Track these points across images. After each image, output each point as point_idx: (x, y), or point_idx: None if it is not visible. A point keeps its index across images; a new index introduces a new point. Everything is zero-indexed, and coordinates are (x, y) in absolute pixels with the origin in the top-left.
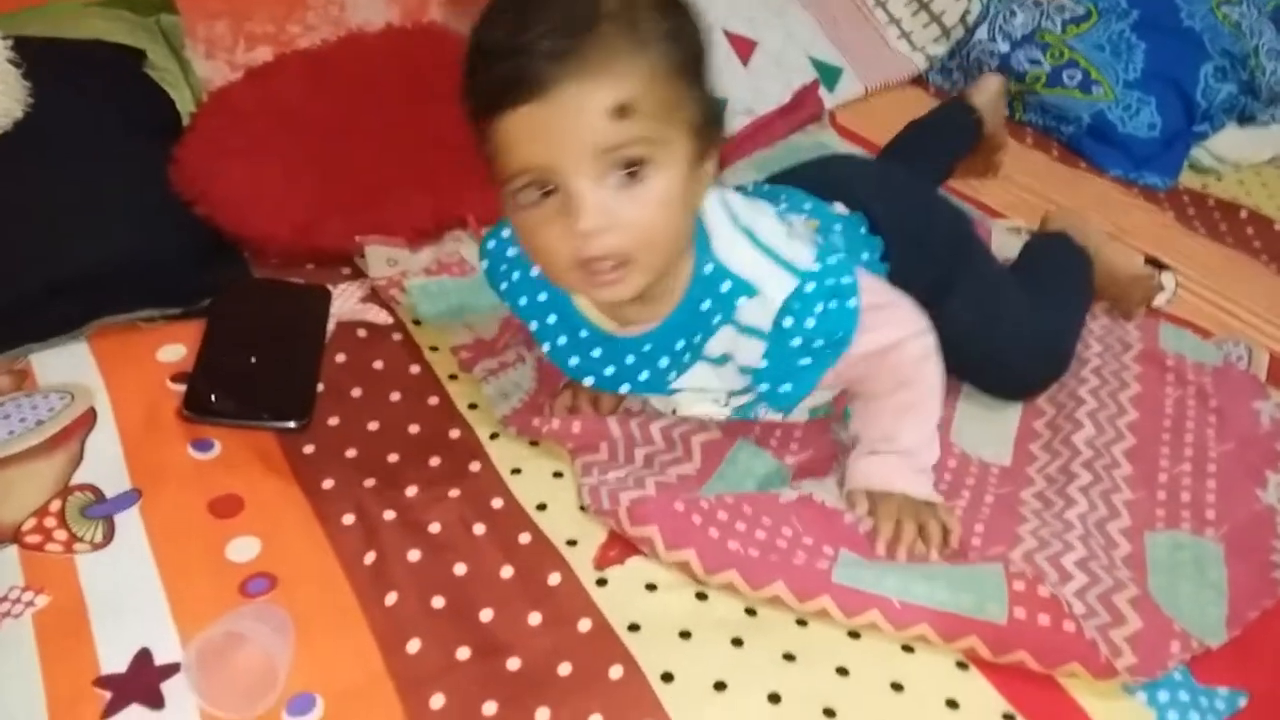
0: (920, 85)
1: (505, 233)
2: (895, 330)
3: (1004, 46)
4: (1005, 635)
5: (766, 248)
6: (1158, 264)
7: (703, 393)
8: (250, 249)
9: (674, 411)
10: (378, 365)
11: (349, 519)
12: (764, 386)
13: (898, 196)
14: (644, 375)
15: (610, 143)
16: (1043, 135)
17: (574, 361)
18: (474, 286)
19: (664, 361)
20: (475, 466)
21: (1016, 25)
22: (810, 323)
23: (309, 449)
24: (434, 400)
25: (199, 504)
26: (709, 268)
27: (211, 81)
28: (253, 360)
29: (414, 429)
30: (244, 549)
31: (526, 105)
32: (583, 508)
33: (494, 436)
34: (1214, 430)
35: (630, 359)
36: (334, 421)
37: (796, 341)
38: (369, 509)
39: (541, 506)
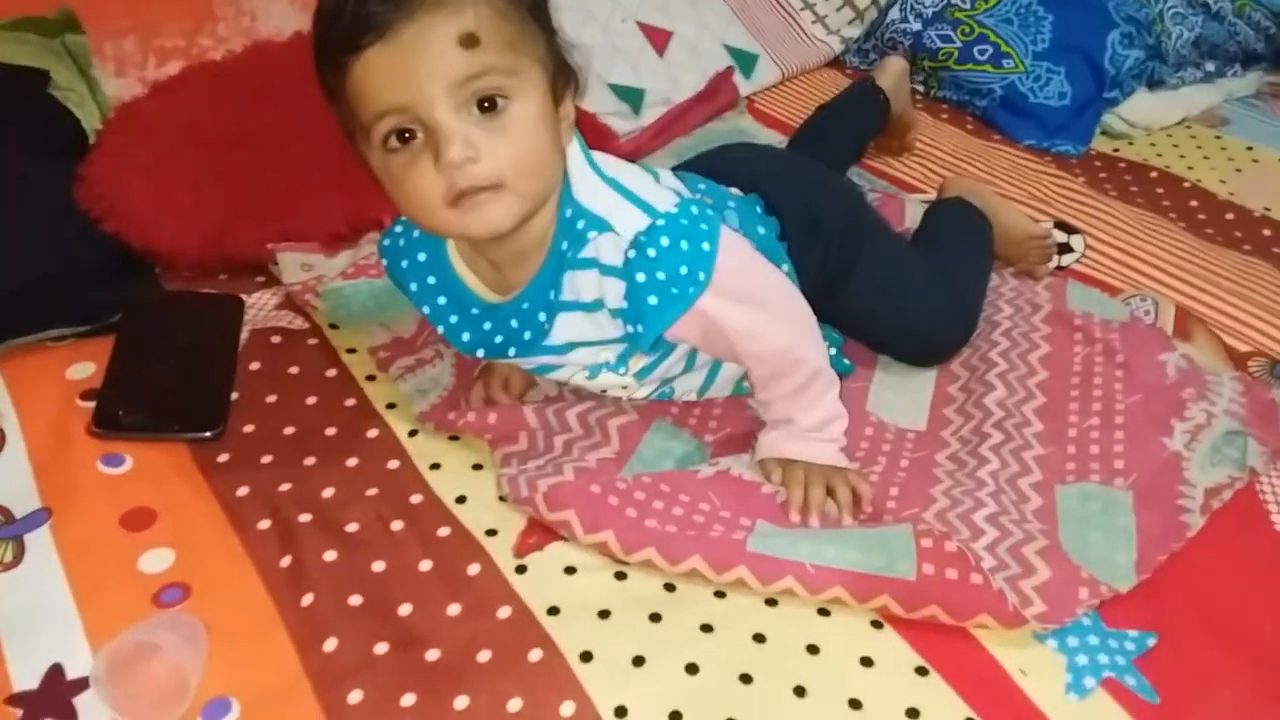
0: (837, 67)
1: (398, 228)
2: (761, 318)
3: (916, 25)
4: (915, 591)
5: (626, 190)
6: (1067, 228)
7: (594, 350)
8: (161, 262)
9: (603, 391)
10: (293, 370)
11: (264, 524)
12: (629, 328)
13: (792, 179)
14: (527, 334)
15: (464, 73)
16: (957, 110)
17: (466, 337)
18: (389, 288)
19: (541, 315)
20: (394, 464)
21: (927, 4)
22: (652, 253)
23: (223, 458)
24: (351, 402)
25: (110, 519)
26: (569, 211)
27: (122, 99)
28: (163, 373)
29: (331, 431)
30: (157, 560)
31: (373, 47)
32: (502, 498)
33: (413, 434)
34: (1121, 384)
35: (513, 323)
36: (249, 429)
37: (640, 276)
38: (285, 512)
39: (461, 499)
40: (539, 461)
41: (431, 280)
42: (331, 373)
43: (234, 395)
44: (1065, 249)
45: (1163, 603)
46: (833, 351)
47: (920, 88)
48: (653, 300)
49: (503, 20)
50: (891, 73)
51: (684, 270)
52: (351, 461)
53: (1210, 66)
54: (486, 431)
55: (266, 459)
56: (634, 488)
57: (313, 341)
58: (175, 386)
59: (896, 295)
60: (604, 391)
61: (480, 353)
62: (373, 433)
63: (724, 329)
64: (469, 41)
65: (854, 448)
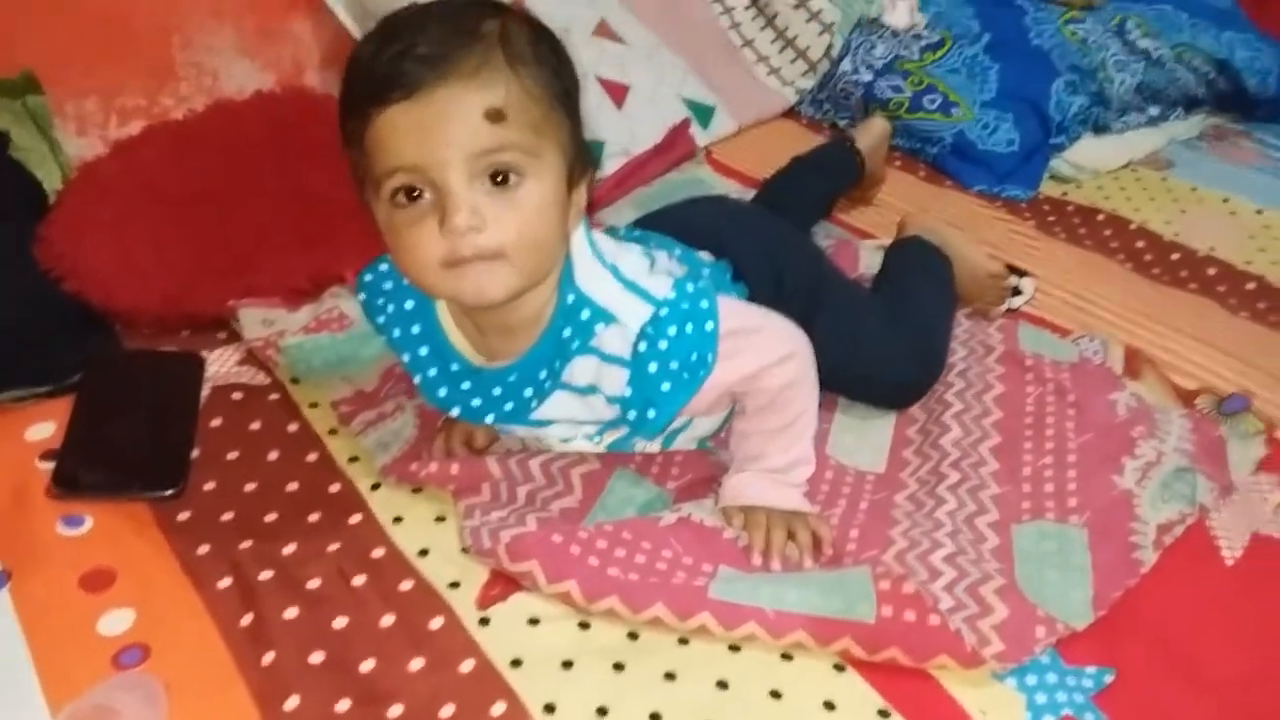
0: (792, 117)
1: (383, 266)
2: (755, 358)
3: (867, 76)
4: (875, 633)
5: (627, 280)
6: (1018, 271)
7: (576, 425)
8: (121, 321)
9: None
10: (255, 426)
11: (225, 582)
12: (632, 414)
13: (756, 238)
14: (509, 405)
15: (484, 146)
16: (909, 157)
17: (442, 393)
18: (352, 340)
19: (528, 391)
20: (356, 518)
21: (877, 56)
22: (664, 345)
23: (184, 516)
24: (313, 456)
25: (70, 580)
26: (571, 298)
27: (83, 159)
28: (124, 432)
29: (292, 486)
30: (117, 622)
31: (401, 104)
32: (465, 549)
33: (375, 487)
34: (1073, 423)
35: (496, 390)
36: (210, 486)
37: (653, 367)
38: (246, 570)
39: (423, 552)
40: (502, 512)
41: (415, 330)
42: (293, 427)
43: (195, 453)
44: (1016, 292)
45: (1119, 639)
46: None
47: (886, 151)
48: (666, 387)
49: (531, 102)
50: (872, 134)
51: (694, 356)
52: (313, 517)
53: (1154, 111)
54: (449, 483)
55: (227, 516)
56: (596, 536)
57: (274, 397)
58: (135, 445)
59: (858, 346)
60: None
61: (455, 411)
62: (335, 487)
63: (732, 385)
64: (495, 116)
65: (815, 491)
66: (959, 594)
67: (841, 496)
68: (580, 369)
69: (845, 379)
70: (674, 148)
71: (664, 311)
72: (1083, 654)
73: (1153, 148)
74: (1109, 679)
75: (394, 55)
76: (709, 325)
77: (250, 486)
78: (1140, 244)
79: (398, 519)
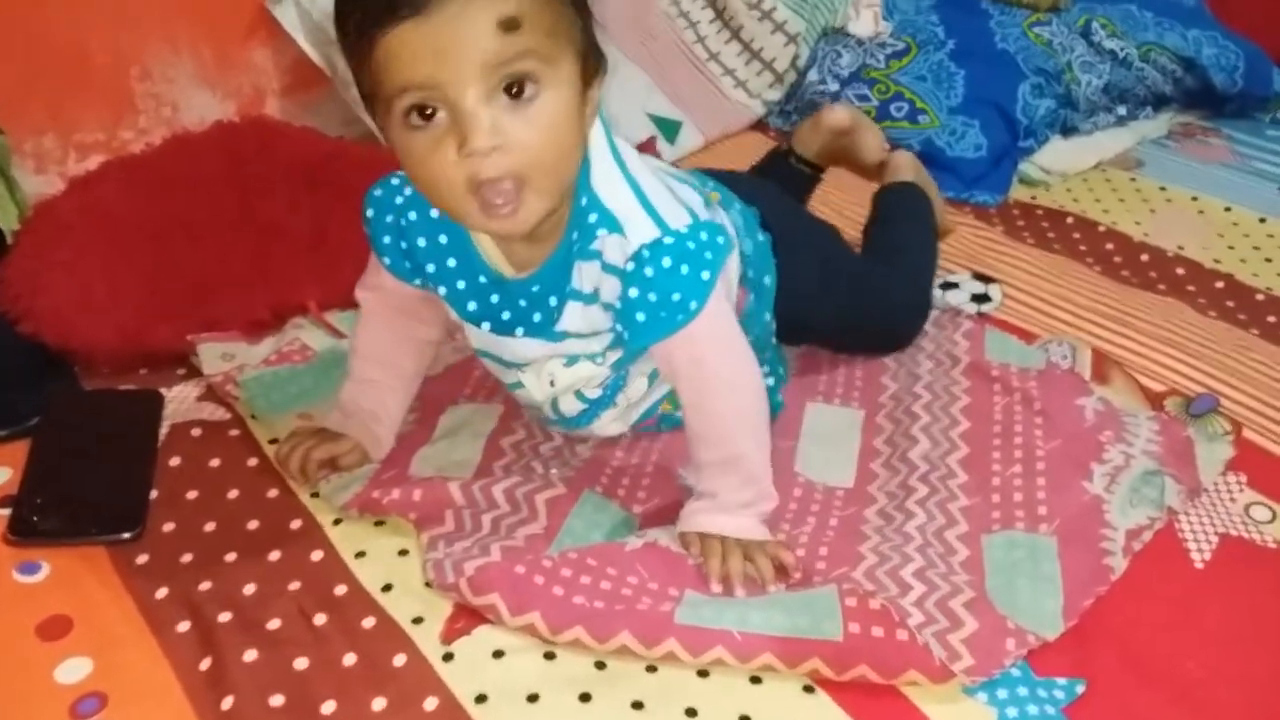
0: (761, 129)
1: (395, 180)
2: (718, 362)
3: (834, 86)
4: (844, 652)
5: (643, 194)
6: (985, 278)
7: (584, 340)
8: (79, 360)
9: (552, 403)
10: (214, 464)
11: (184, 626)
12: (617, 327)
13: (768, 198)
14: (536, 316)
15: (499, 57)
16: None
17: (472, 306)
18: (312, 372)
19: (552, 300)
20: (317, 555)
21: (843, 65)
22: (649, 273)
23: (142, 559)
24: (274, 493)
25: (26, 629)
26: (584, 199)
27: (43, 196)
28: (81, 475)
29: (253, 525)
30: (74, 670)
31: (410, 20)
32: (428, 584)
33: (337, 522)
34: (1041, 430)
35: (523, 302)
36: (169, 527)
37: (633, 292)
38: (204, 613)
39: (387, 588)
40: (466, 542)
41: (443, 239)
42: (253, 463)
43: (153, 493)
44: (984, 298)
45: (1089, 648)
46: (770, 382)
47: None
48: (640, 318)
49: (546, 6)
50: (819, 130)
51: (676, 296)
52: (274, 555)
53: (1122, 110)
54: (411, 510)
55: (186, 558)
56: (560, 564)
57: (234, 433)
58: (93, 488)
59: (861, 294)
60: (553, 401)
61: (485, 325)
62: (296, 524)
63: (700, 365)
64: (510, 25)
65: (784, 509)
66: (929, 608)
67: (811, 514)
68: (586, 273)
69: (854, 329)
70: None
71: (668, 240)
72: (1053, 665)
73: (1122, 148)
74: (1080, 689)
75: None
76: (705, 275)
77: (210, 526)
78: (1109, 246)
79: (360, 554)
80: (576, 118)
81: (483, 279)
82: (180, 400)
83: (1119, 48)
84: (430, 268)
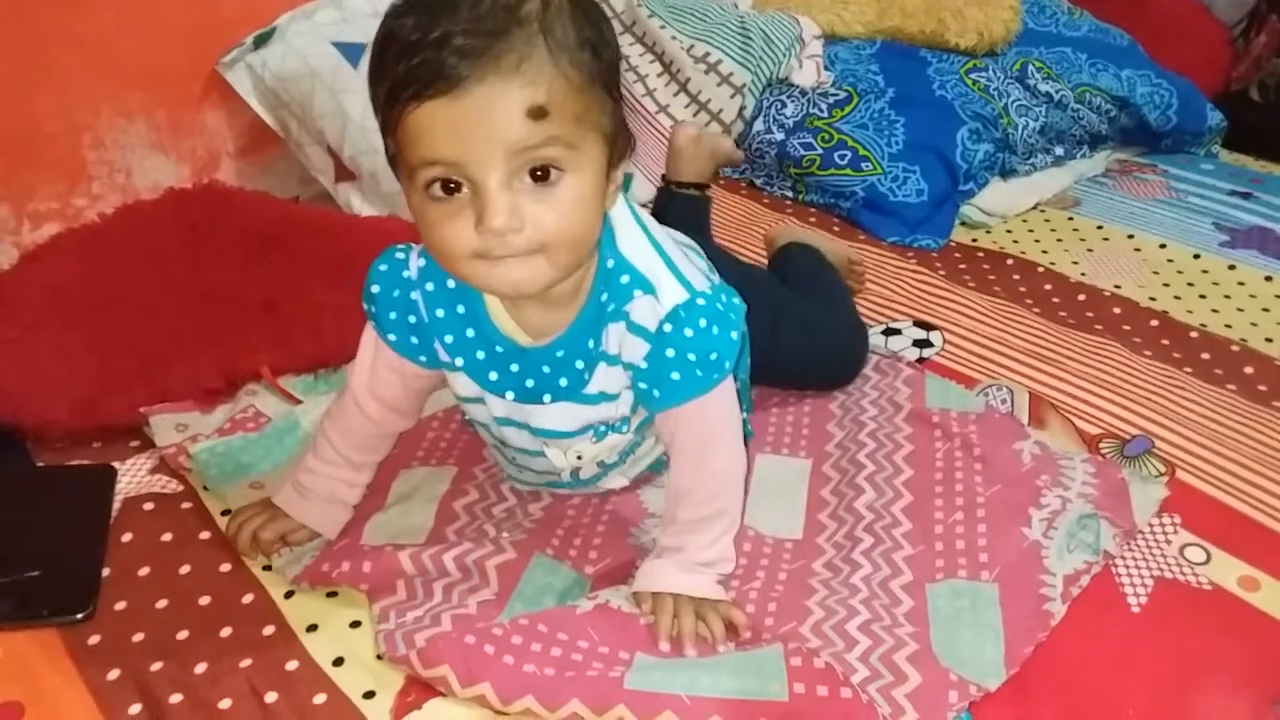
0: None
1: (400, 254)
2: (724, 421)
3: (779, 135)
4: (790, 712)
5: (667, 257)
6: (926, 325)
7: (614, 401)
8: (31, 436)
9: (574, 472)
10: (166, 538)
11: (135, 708)
12: (641, 385)
13: (711, 251)
14: (563, 381)
15: (525, 143)
16: (825, 212)
17: (494, 376)
18: (265, 441)
19: (579, 364)
20: (269, 630)
21: (788, 115)
22: (688, 333)
23: (94, 639)
24: (226, 567)
25: None
26: (611, 262)
27: None
28: (32, 556)
29: (205, 600)
30: None
31: (440, 99)
32: (379, 656)
33: (289, 595)
34: (981, 476)
35: (546, 369)
36: (121, 606)
37: (670, 352)
38: (156, 694)
39: (338, 661)
40: (418, 612)
41: (460, 310)
42: (205, 536)
43: (105, 571)
44: (925, 344)
45: (1030, 696)
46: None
47: (790, 192)
48: (675, 377)
49: (573, 93)
50: (675, 154)
51: (713, 356)
52: (225, 631)
53: (1059, 151)
54: (362, 581)
55: (138, 637)
56: (511, 631)
57: (186, 505)
58: (44, 569)
59: (816, 332)
60: (575, 471)
61: (510, 395)
62: (248, 598)
63: (710, 421)
64: (538, 114)
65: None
66: (874, 662)
67: (760, 569)
68: (613, 335)
69: (810, 365)
70: None
71: (701, 301)
72: (995, 715)
73: (1060, 187)
74: None
75: (434, 42)
76: (734, 334)
77: (162, 603)
78: (1048, 287)
79: (312, 627)
80: (597, 198)
81: (499, 348)
82: (134, 472)
83: (1054, 90)
84: (449, 338)
